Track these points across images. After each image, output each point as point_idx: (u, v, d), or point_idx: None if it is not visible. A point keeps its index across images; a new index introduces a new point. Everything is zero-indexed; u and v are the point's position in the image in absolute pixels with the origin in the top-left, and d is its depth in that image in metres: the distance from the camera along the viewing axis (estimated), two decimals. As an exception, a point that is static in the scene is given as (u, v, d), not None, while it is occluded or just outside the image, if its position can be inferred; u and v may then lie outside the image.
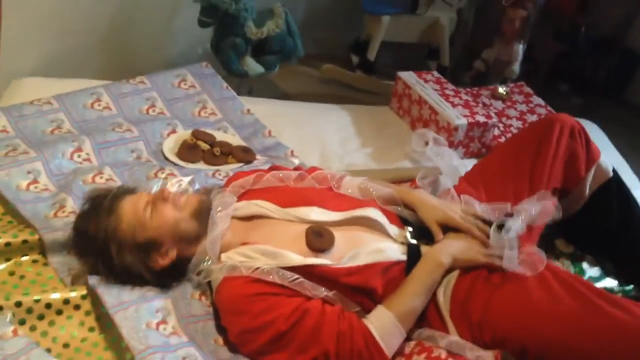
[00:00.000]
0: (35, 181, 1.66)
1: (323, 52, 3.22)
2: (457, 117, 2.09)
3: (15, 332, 1.22)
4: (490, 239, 1.45)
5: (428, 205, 1.55)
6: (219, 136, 1.99)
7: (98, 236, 1.39)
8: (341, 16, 3.24)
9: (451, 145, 2.09)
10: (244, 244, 1.43)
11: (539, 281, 1.37)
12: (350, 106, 2.43)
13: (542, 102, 2.45)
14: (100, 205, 1.42)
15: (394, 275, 1.42)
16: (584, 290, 1.35)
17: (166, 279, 1.43)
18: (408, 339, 1.40)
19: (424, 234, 1.51)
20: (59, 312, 1.33)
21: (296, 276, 1.35)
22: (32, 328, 1.30)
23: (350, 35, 3.32)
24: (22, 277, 1.40)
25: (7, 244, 1.43)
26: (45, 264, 1.46)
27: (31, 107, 1.95)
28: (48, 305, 1.32)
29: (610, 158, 1.92)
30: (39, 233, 1.46)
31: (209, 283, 1.45)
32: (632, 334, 1.25)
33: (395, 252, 1.45)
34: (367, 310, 1.38)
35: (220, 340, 1.39)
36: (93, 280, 1.37)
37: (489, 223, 1.49)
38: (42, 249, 1.47)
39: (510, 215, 1.48)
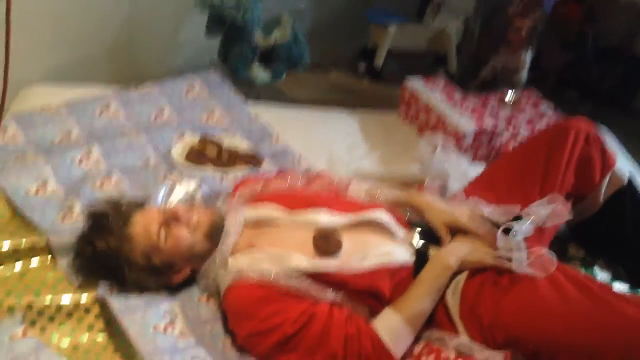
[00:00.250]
0: (44, 186, 1.67)
1: (330, 60, 3.24)
2: (465, 123, 2.08)
3: (25, 332, 1.23)
4: (497, 241, 1.45)
5: (435, 208, 1.55)
6: (227, 141, 2.00)
7: (109, 260, 1.39)
8: (348, 24, 3.25)
9: (459, 151, 2.09)
10: (251, 248, 1.43)
11: (549, 282, 1.36)
12: (357, 112, 2.44)
13: (552, 108, 2.44)
14: (108, 227, 1.41)
15: (402, 278, 1.41)
16: (595, 288, 1.34)
17: (177, 287, 1.45)
18: (417, 339, 1.39)
19: (431, 236, 1.51)
20: (70, 315, 1.34)
21: (303, 280, 1.35)
22: (43, 329, 1.30)
23: (358, 43, 3.33)
24: (32, 279, 1.41)
25: (17, 246, 1.44)
26: (55, 266, 1.46)
27: (41, 115, 1.96)
28: (59, 308, 1.33)
29: (623, 164, 1.91)
30: (46, 237, 1.46)
31: (217, 286, 1.45)
32: None
33: (403, 255, 1.45)
34: (375, 313, 1.38)
35: (228, 343, 1.39)
36: (102, 289, 1.38)
37: (497, 225, 1.48)
38: (51, 252, 1.47)
39: (518, 217, 1.48)
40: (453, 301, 1.41)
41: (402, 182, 1.86)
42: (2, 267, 1.41)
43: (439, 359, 1.32)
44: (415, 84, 2.33)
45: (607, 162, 1.64)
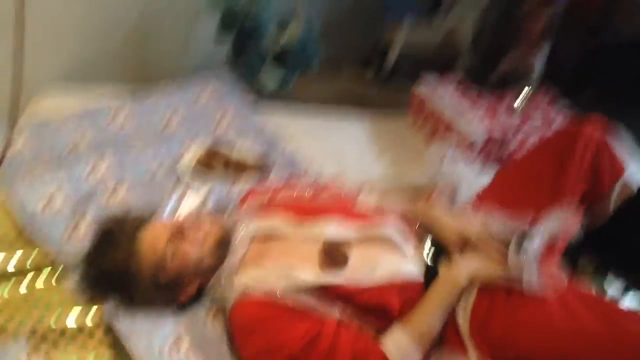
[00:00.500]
0: (51, 201, 1.67)
1: (341, 60, 3.20)
2: (475, 131, 2.05)
3: (29, 358, 1.23)
4: (508, 259, 1.42)
5: (446, 222, 1.52)
6: (235, 151, 1.98)
7: (117, 277, 1.39)
8: (359, 25, 3.21)
9: (469, 158, 2.06)
10: (258, 263, 1.42)
11: (560, 299, 1.34)
12: (367, 117, 2.41)
13: (564, 112, 2.39)
14: (115, 244, 1.41)
15: (412, 295, 1.39)
16: (605, 309, 1.32)
17: (183, 305, 1.45)
18: (425, 359, 1.37)
19: (441, 251, 1.48)
20: (74, 337, 1.34)
21: (310, 297, 1.33)
22: (46, 355, 1.30)
23: (369, 44, 3.30)
24: (37, 299, 1.41)
25: (23, 265, 1.44)
26: (61, 285, 1.46)
27: (51, 124, 1.97)
28: (62, 333, 1.32)
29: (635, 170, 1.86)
30: (53, 255, 1.47)
31: (223, 302, 1.44)
32: None
33: (412, 270, 1.42)
34: (383, 330, 1.36)
35: (235, 363, 1.38)
36: (108, 309, 1.38)
37: (507, 241, 1.46)
38: (57, 270, 1.47)
39: (529, 232, 1.45)
40: (463, 318, 1.39)
41: (411, 190, 1.84)
42: (7, 287, 1.42)
43: (448, 380, 1.31)
44: (425, 89, 2.29)
45: (616, 170, 1.59)
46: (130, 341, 1.31)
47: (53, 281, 1.46)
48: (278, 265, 1.38)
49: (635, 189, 1.62)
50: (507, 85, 2.66)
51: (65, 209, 1.67)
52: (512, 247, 1.42)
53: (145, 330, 1.34)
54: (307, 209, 1.55)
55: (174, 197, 1.71)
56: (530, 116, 2.34)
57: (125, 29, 2.55)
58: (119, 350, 1.33)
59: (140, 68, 2.67)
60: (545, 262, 1.42)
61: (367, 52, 3.28)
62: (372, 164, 2.14)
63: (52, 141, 1.92)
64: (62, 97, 2.14)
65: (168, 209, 1.68)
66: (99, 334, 1.36)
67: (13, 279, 1.43)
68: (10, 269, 1.43)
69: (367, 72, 3.21)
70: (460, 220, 1.53)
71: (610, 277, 1.72)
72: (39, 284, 1.45)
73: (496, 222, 1.51)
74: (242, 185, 1.83)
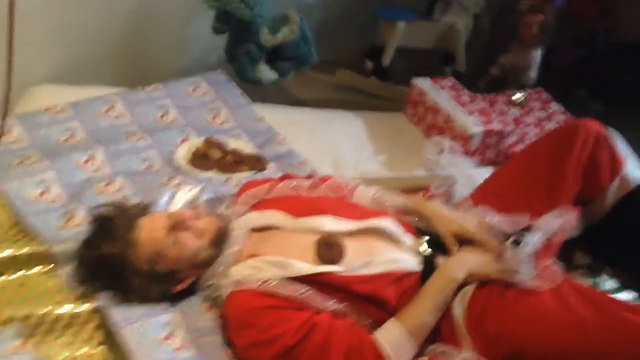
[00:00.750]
0: (46, 191, 1.66)
1: (337, 58, 3.21)
2: (473, 124, 2.06)
3: (21, 345, 1.22)
4: (505, 254, 1.42)
5: (443, 216, 1.52)
6: (232, 144, 1.98)
7: (113, 266, 1.37)
8: (355, 22, 3.21)
9: (467, 153, 2.06)
10: (254, 255, 1.41)
11: (555, 293, 1.35)
12: (364, 113, 2.41)
13: (561, 109, 2.41)
14: (112, 232, 1.39)
15: (409, 286, 1.39)
16: (600, 298, 1.33)
17: (178, 297, 1.44)
18: (420, 354, 1.37)
19: (439, 245, 1.48)
20: (68, 327, 1.33)
21: (305, 288, 1.33)
22: (40, 342, 1.29)
23: (365, 41, 3.30)
24: (31, 288, 1.40)
25: (18, 255, 1.43)
26: (55, 275, 1.44)
27: (45, 115, 1.96)
28: (56, 320, 1.31)
29: (633, 168, 1.87)
30: (48, 245, 1.45)
31: (218, 295, 1.43)
32: None
33: (409, 263, 1.42)
34: (379, 323, 1.36)
35: (229, 354, 1.37)
36: (102, 300, 1.37)
37: (505, 236, 1.46)
38: (52, 260, 1.46)
39: (528, 229, 1.45)
40: (460, 313, 1.39)
41: (409, 186, 1.84)
42: (2, 277, 1.40)
43: (443, 373, 1.31)
44: (423, 84, 2.29)
45: (615, 166, 1.61)
46: (124, 331, 1.30)
47: (47, 270, 1.45)
48: (274, 258, 1.38)
49: (633, 183, 1.63)
50: (498, 89, 2.68)
51: (60, 198, 1.65)
52: (509, 243, 1.43)
53: (139, 321, 1.33)
54: (304, 202, 1.55)
55: (171, 188, 1.69)
56: (527, 113, 2.35)
57: (118, 30, 2.54)
58: (112, 340, 1.32)
59: (134, 68, 2.66)
60: (541, 259, 1.42)
61: (363, 48, 3.29)
62: (369, 159, 2.14)
63: (46, 131, 1.91)
64: (54, 94, 2.12)
65: (164, 200, 1.67)
66: (93, 323, 1.35)
67: (7, 269, 1.42)
68: (5, 258, 1.41)
69: (363, 68, 3.22)
70: (458, 215, 1.54)
71: (604, 275, 1.74)
72: (34, 273, 1.44)
73: (494, 218, 1.52)
74: (238, 178, 1.82)
